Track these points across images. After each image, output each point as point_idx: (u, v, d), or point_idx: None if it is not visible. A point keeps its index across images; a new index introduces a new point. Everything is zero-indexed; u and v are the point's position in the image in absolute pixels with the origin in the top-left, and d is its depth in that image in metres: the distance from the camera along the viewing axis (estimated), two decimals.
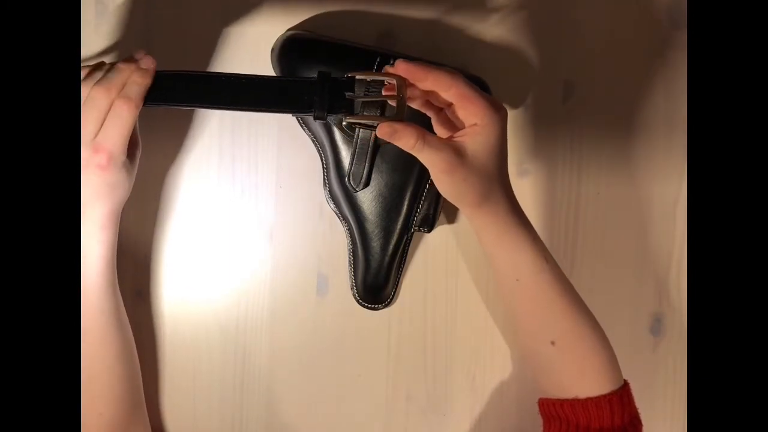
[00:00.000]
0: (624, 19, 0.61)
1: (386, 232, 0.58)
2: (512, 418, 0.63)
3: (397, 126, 0.46)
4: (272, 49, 0.57)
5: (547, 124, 0.61)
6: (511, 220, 0.50)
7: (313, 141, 0.58)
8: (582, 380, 0.52)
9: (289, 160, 0.61)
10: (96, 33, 0.59)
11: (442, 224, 0.61)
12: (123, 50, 0.59)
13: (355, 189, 0.57)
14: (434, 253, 0.62)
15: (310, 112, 0.48)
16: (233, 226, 0.61)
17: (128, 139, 0.49)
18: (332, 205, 0.59)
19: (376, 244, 0.58)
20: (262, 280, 0.62)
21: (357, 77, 0.48)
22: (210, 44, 0.59)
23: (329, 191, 0.59)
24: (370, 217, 0.57)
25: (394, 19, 0.60)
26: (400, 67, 0.47)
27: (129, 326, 0.57)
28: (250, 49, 0.59)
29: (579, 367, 0.53)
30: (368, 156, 0.56)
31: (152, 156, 0.59)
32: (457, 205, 0.51)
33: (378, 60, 0.54)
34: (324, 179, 0.59)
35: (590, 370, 0.52)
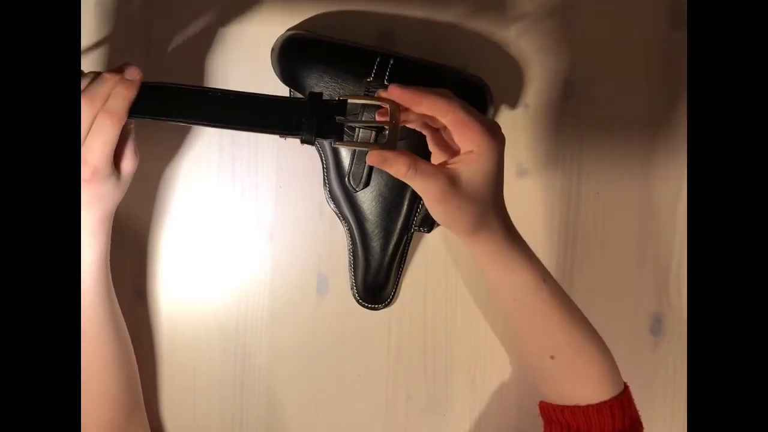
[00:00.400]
0: (624, 19, 0.61)
1: (386, 232, 0.58)
2: (512, 418, 0.63)
3: (388, 155, 0.45)
4: (272, 49, 0.57)
5: (547, 123, 0.61)
6: (506, 244, 0.50)
7: None
8: (582, 390, 0.52)
9: (289, 160, 0.61)
10: (96, 33, 0.59)
11: None
12: (123, 50, 0.59)
13: (355, 189, 0.57)
14: (434, 253, 0.62)
15: (298, 134, 0.47)
16: (233, 226, 0.61)
17: (112, 152, 0.47)
18: (332, 205, 0.59)
19: (376, 244, 0.58)
20: (262, 280, 0.61)
21: (349, 101, 0.47)
22: (210, 44, 0.59)
23: (329, 191, 0.59)
24: (370, 217, 0.57)
25: (394, 19, 0.60)
26: (394, 92, 0.45)
27: (125, 329, 0.57)
28: (249, 49, 0.59)
29: (579, 379, 0.53)
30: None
31: (152, 156, 0.59)
32: (451, 231, 0.50)
33: (378, 60, 0.54)
34: (324, 179, 0.59)
35: (590, 380, 0.52)
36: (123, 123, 0.47)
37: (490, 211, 0.48)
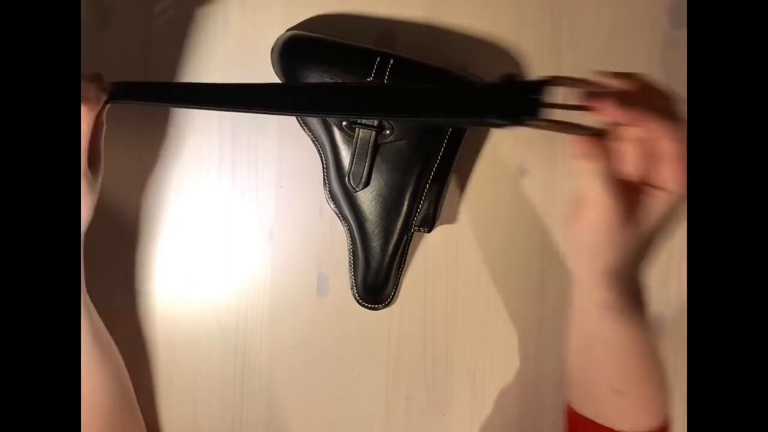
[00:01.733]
0: (624, 19, 0.61)
1: (386, 232, 0.58)
2: (512, 418, 0.63)
3: (600, 144, 0.40)
4: (272, 50, 0.57)
5: None
6: (635, 304, 0.45)
7: (313, 141, 0.58)
8: (629, 420, 0.49)
9: (289, 160, 0.61)
10: (96, 33, 0.59)
11: (442, 224, 0.61)
12: (123, 51, 0.59)
13: (355, 189, 0.57)
14: (434, 253, 0.62)
15: (492, 119, 0.45)
16: (233, 226, 0.61)
17: (88, 141, 0.46)
18: (332, 205, 0.59)
19: (376, 244, 0.58)
20: (262, 280, 0.62)
21: (546, 85, 0.44)
22: (209, 45, 0.59)
23: (329, 191, 0.59)
24: (370, 217, 0.57)
25: (394, 20, 0.60)
26: (608, 109, 0.40)
27: (112, 344, 0.54)
28: (249, 49, 0.59)
29: (632, 411, 0.49)
30: (368, 156, 0.56)
31: (153, 155, 0.59)
32: (583, 262, 0.44)
33: (378, 60, 0.54)
34: (324, 179, 0.59)
35: (641, 414, 0.49)
36: (99, 107, 0.46)
37: (637, 264, 0.43)
